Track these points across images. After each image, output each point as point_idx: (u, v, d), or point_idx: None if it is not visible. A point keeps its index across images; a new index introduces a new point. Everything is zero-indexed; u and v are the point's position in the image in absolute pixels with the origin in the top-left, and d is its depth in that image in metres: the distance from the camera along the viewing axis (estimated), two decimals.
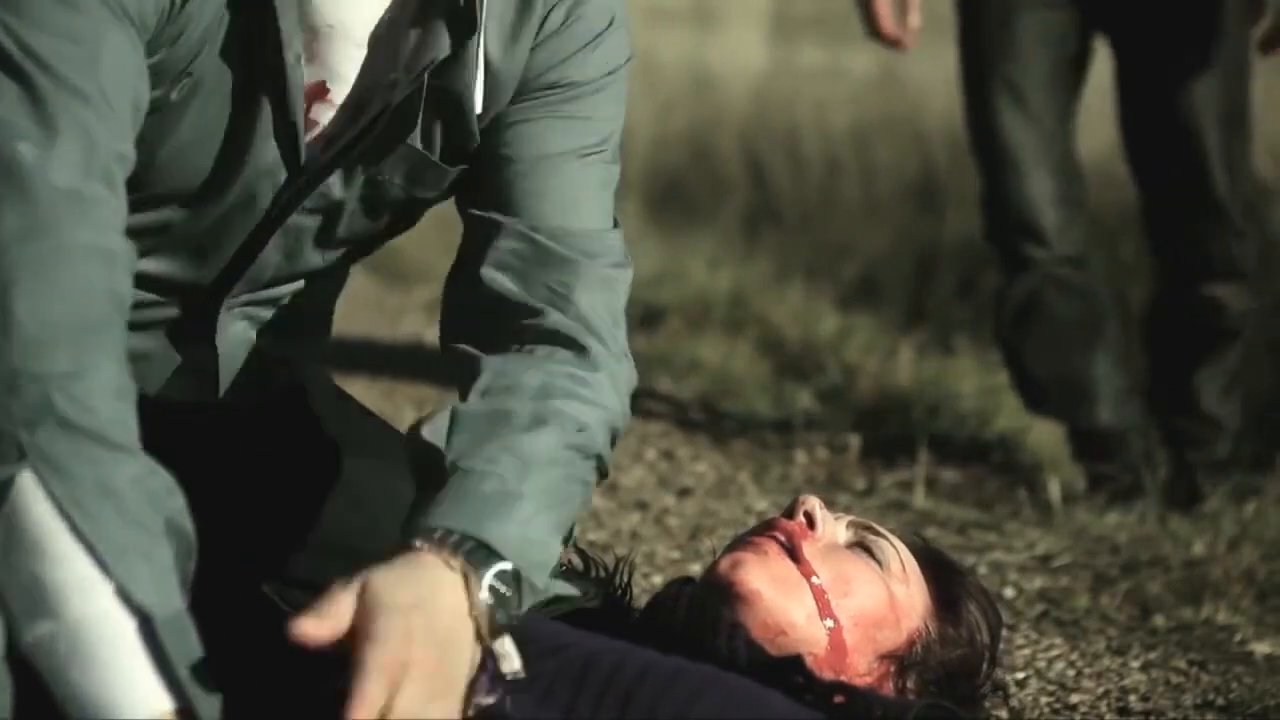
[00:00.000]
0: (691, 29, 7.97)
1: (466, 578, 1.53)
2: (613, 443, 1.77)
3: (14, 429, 1.43)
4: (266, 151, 1.73)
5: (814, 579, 1.88)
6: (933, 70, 6.00)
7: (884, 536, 1.95)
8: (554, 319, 1.75)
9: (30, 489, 1.44)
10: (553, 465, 1.65)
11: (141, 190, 1.66)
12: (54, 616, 1.43)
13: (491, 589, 1.54)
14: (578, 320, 1.76)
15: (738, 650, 1.80)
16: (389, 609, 1.45)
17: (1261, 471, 3.48)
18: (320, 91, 1.73)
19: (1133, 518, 3.34)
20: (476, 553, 1.54)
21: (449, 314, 1.83)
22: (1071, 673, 2.58)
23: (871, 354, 4.46)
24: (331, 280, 1.96)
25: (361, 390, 3.56)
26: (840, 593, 1.88)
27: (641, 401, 4.29)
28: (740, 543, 1.93)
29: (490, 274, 1.77)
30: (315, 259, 1.85)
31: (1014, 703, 2.44)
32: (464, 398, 1.71)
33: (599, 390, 1.73)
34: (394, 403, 4.07)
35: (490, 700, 1.56)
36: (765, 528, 1.93)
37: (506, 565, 1.55)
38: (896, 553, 1.93)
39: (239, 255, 1.81)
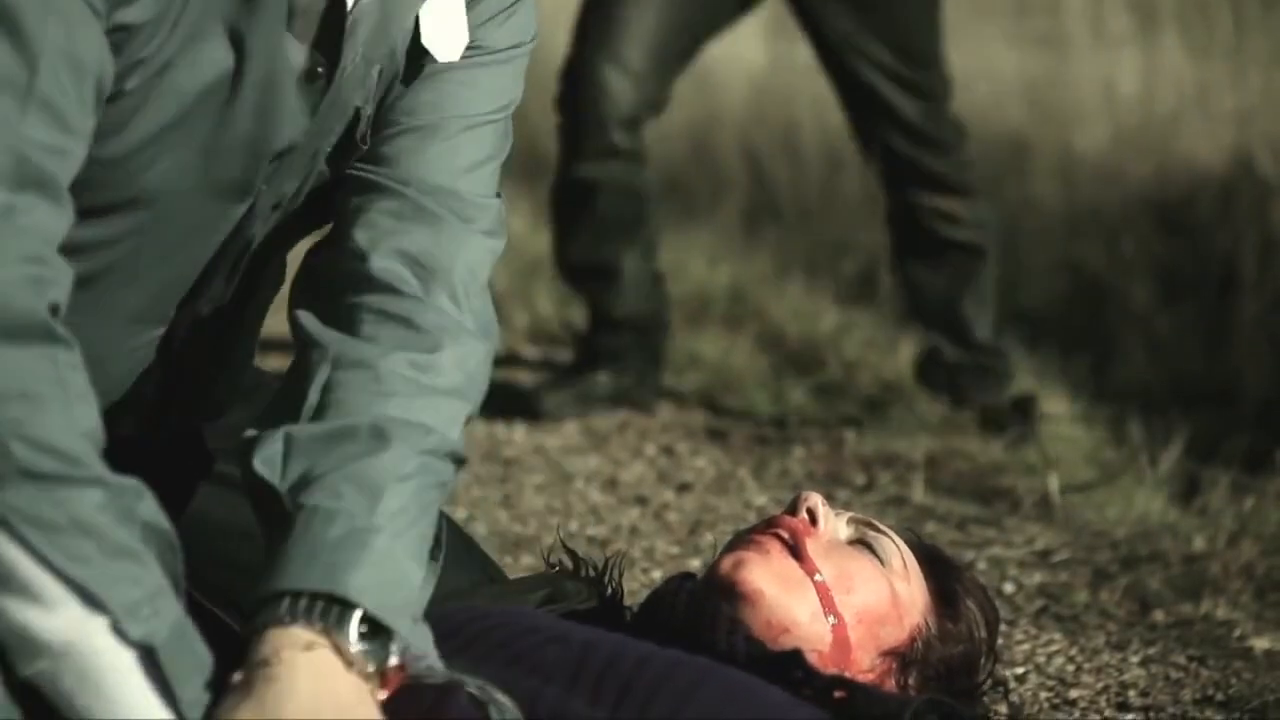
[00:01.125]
0: None
1: (337, 647, 1.51)
2: (466, 420, 1.71)
3: None
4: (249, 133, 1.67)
5: (817, 576, 1.88)
6: None
7: (884, 533, 1.95)
8: (402, 298, 1.69)
9: (3, 541, 1.42)
10: (403, 482, 1.60)
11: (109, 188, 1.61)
12: (54, 657, 1.43)
13: (361, 635, 1.53)
14: (435, 293, 1.70)
15: (737, 645, 1.80)
16: None
17: (1260, 468, 3.48)
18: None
19: (1134, 513, 3.34)
20: (331, 612, 1.52)
21: (303, 276, 1.77)
22: (1071, 668, 2.58)
23: (871, 349, 4.46)
24: (271, 285, 1.93)
25: None
26: (843, 589, 1.88)
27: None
28: (742, 541, 1.92)
29: (354, 237, 1.71)
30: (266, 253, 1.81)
31: (1013, 698, 2.44)
32: (298, 391, 1.65)
33: (441, 374, 1.68)
34: None
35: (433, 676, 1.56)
36: (767, 525, 1.93)
37: (365, 613, 1.53)
38: (898, 549, 1.94)
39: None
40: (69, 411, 1.45)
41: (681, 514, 3.34)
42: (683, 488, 3.53)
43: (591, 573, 2.02)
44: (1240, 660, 2.63)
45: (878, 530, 1.95)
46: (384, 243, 1.71)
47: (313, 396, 1.65)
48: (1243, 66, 5.79)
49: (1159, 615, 2.83)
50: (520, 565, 2.94)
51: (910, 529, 2.11)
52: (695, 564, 2.94)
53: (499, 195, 1.80)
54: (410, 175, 1.74)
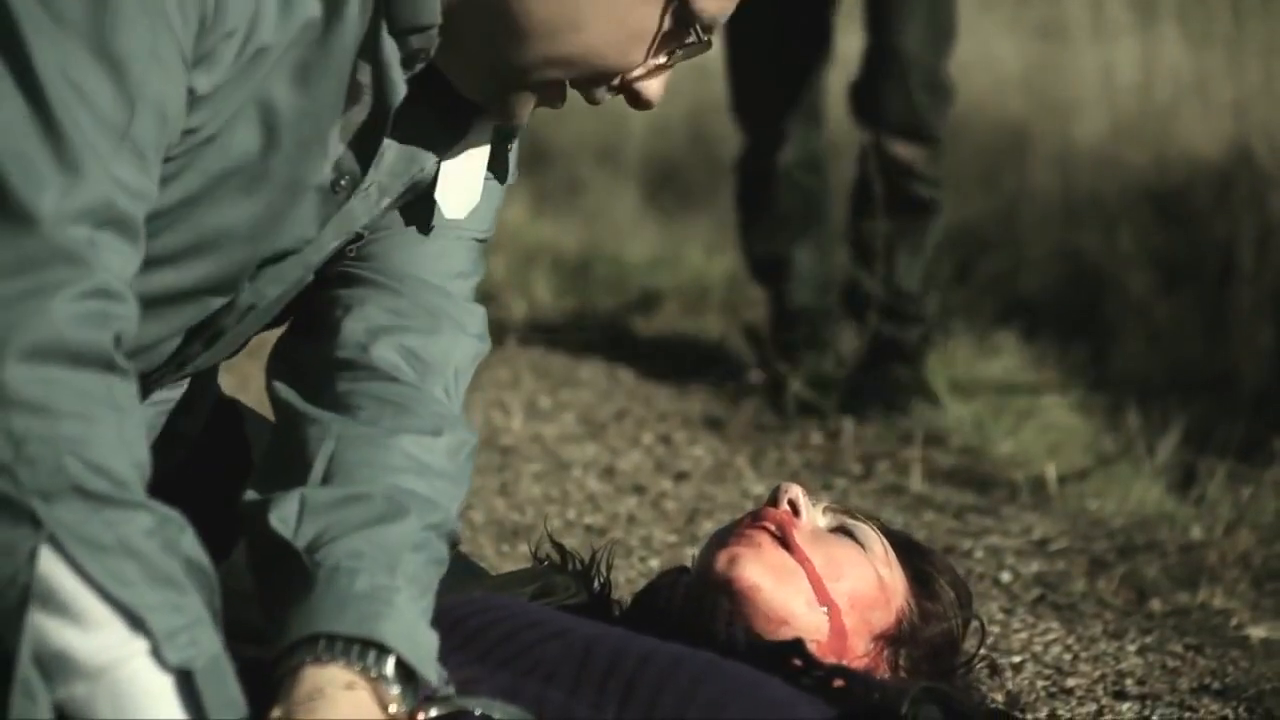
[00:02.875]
0: None
1: (372, 684, 1.52)
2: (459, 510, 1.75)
3: (27, 499, 1.39)
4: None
5: (808, 565, 1.88)
6: None
7: (862, 521, 1.97)
8: (401, 385, 1.72)
9: (48, 556, 1.40)
10: (416, 551, 1.62)
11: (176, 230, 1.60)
12: (88, 679, 1.41)
13: (396, 676, 1.53)
14: (431, 384, 1.74)
15: (736, 637, 1.80)
16: None
17: (1258, 457, 3.48)
18: None
19: (1131, 502, 3.34)
20: (369, 655, 1.53)
21: (284, 362, 1.78)
22: (1068, 657, 2.58)
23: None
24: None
25: None
26: (834, 577, 1.89)
27: (639, 386, 4.29)
28: (730, 536, 1.93)
29: (350, 329, 1.74)
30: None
31: (1010, 686, 2.45)
32: (301, 461, 1.67)
33: (440, 457, 1.71)
34: None
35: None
36: (752, 519, 1.94)
37: (398, 658, 1.53)
38: (877, 536, 1.96)
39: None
40: (123, 437, 1.45)
41: (679, 502, 3.34)
42: (680, 476, 3.53)
43: (579, 567, 2.03)
44: (1237, 649, 2.64)
45: (855, 518, 1.98)
46: (384, 337, 1.74)
47: (319, 466, 1.66)
48: (1241, 56, 5.79)
49: (1156, 604, 2.83)
50: (517, 553, 2.94)
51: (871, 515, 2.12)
52: (692, 553, 2.93)
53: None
54: (404, 273, 1.77)
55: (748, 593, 1.86)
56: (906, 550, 2.00)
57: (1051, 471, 3.44)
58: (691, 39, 1.64)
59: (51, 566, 1.40)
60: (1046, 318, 4.67)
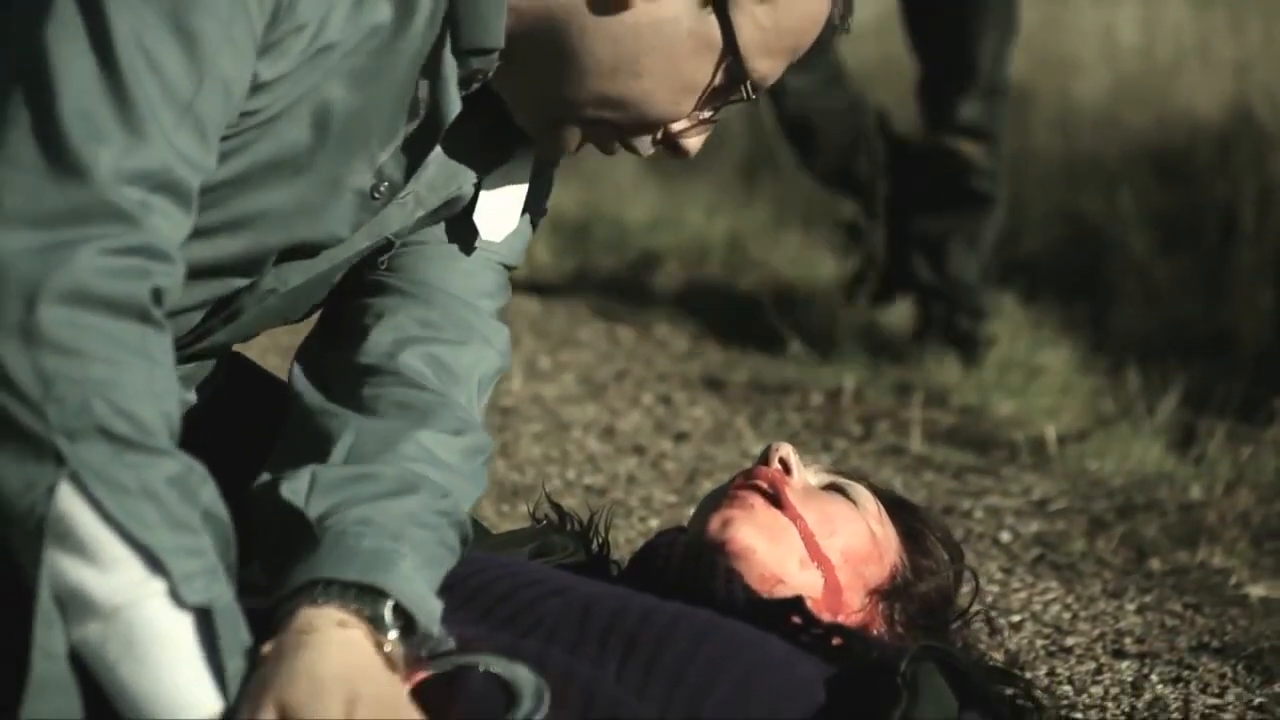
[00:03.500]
0: None
1: (369, 622, 1.52)
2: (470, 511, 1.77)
3: (52, 436, 1.41)
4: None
5: (800, 521, 1.89)
6: None
7: (853, 480, 1.99)
8: (425, 392, 1.74)
9: (70, 494, 1.42)
10: (424, 528, 1.64)
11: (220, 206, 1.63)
12: (101, 619, 1.43)
13: (393, 621, 1.54)
14: (455, 393, 1.76)
15: (735, 595, 1.81)
16: (322, 712, 1.43)
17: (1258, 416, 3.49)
18: None
19: (1131, 462, 3.35)
20: (365, 598, 1.53)
21: (309, 365, 1.81)
22: (1067, 616, 2.59)
23: (868, 299, 4.46)
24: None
25: None
26: (826, 533, 1.90)
27: (639, 346, 4.29)
28: (723, 498, 1.94)
29: (379, 336, 1.77)
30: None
31: (1010, 645, 2.45)
32: (318, 447, 1.69)
33: (457, 456, 1.73)
34: None
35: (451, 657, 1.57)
36: (744, 478, 1.94)
37: (397, 603, 1.54)
38: (869, 494, 1.97)
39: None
40: (152, 387, 1.46)
41: (679, 463, 3.34)
42: (680, 437, 3.53)
43: (577, 527, 2.03)
44: (1236, 607, 2.64)
45: (846, 477, 1.99)
46: (412, 345, 1.77)
47: (337, 453, 1.69)
48: (1242, 16, 5.77)
49: (1155, 563, 2.83)
50: (517, 513, 2.94)
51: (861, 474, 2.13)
52: (692, 513, 2.94)
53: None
54: (435, 286, 1.80)
55: (743, 554, 1.87)
56: (897, 508, 2.01)
57: (1051, 431, 3.44)
58: (738, 96, 1.70)
59: (72, 504, 1.42)
60: (1046, 277, 4.67)
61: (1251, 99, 5.14)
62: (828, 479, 1.99)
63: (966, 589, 2.07)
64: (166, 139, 1.48)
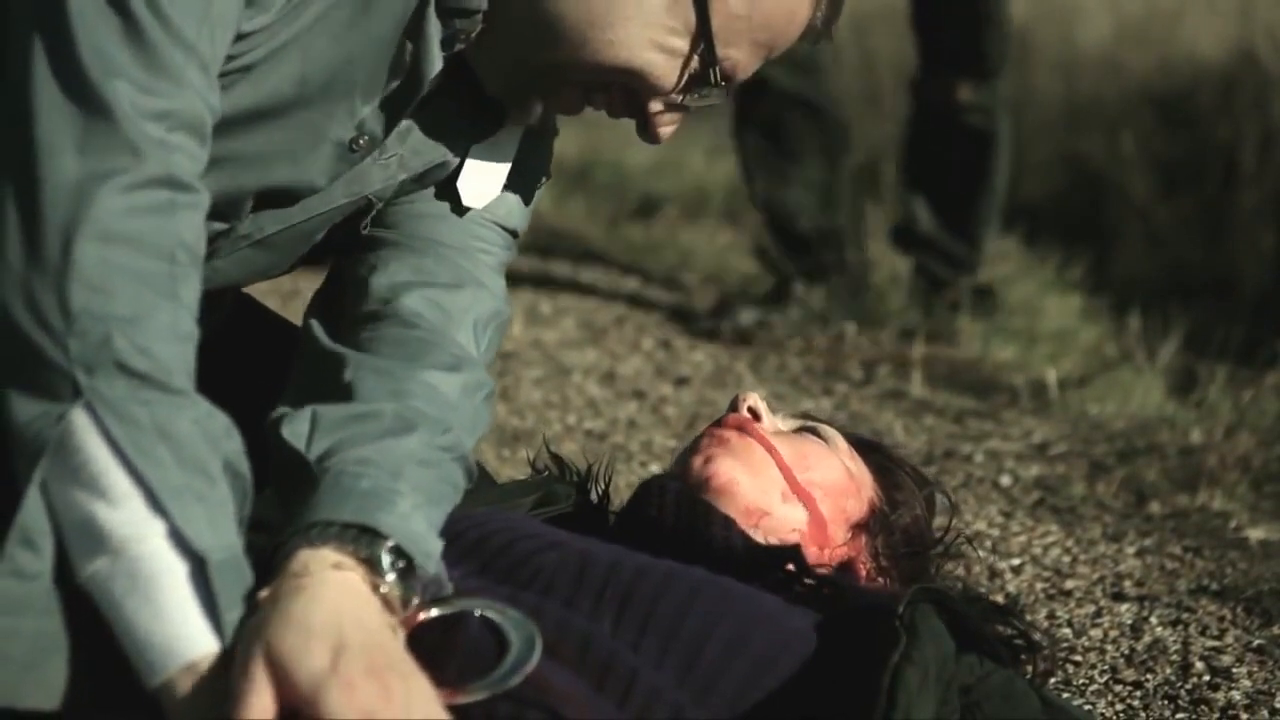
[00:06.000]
0: None
1: (365, 563, 1.51)
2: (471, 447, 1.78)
3: (71, 368, 1.43)
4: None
5: (776, 453, 1.91)
6: None
7: (823, 422, 2.01)
8: (421, 330, 1.77)
9: (85, 427, 1.43)
10: (425, 466, 1.64)
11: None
12: (110, 553, 1.43)
13: (390, 563, 1.53)
14: (452, 330, 1.79)
15: (733, 541, 1.81)
16: (308, 661, 1.41)
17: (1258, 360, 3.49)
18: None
19: (1131, 406, 3.35)
20: (362, 539, 1.53)
21: (323, 313, 1.83)
22: (1067, 559, 2.59)
23: (872, 242, 4.45)
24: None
25: None
26: (803, 468, 1.92)
27: (639, 291, 4.28)
28: (700, 440, 1.95)
29: (376, 285, 1.80)
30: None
31: (1009, 589, 2.46)
32: (319, 385, 1.71)
33: (455, 391, 1.74)
34: None
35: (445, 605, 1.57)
36: (716, 425, 1.96)
37: (395, 544, 1.54)
38: (838, 434, 1.99)
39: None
40: (175, 329, 1.48)
41: (679, 408, 3.35)
42: (680, 382, 3.53)
43: (577, 477, 2.04)
44: (1235, 550, 2.65)
45: (816, 420, 2.01)
46: (409, 290, 1.80)
47: (337, 392, 1.70)
48: None
49: (1155, 507, 2.84)
50: (518, 458, 2.95)
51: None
52: None
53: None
54: (428, 237, 1.84)
55: (727, 488, 1.88)
56: (863, 447, 2.03)
57: (1052, 375, 3.44)
58: (709, 83, 1.70)
59: (86, 437, 1.43)
60: (1048, 221, 4.67)
61: (1254, 42, 5.12)
62: (796, 423, 2.01)
63: (949, 528, 2.07)
64: (181, 76, 1.52)
